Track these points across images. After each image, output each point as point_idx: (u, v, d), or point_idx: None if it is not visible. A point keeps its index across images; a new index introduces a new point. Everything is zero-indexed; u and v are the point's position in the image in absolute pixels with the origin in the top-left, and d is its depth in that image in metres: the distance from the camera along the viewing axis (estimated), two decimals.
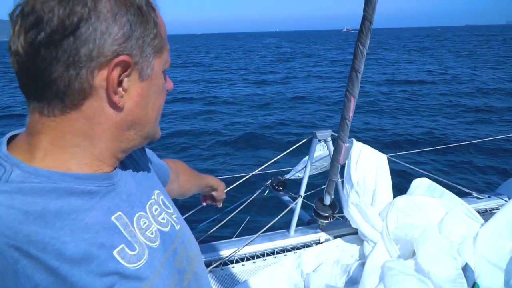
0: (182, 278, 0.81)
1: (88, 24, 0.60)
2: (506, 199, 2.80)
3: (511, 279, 1.96)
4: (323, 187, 2.46)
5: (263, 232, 2.39)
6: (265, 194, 2.87)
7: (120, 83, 0.66)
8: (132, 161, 0.87)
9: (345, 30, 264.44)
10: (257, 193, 2.77)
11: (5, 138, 0.69)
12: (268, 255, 2.28)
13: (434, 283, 1.82)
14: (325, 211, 2.40)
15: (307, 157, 2.51)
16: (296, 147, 2.79)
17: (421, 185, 2.58)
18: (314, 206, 2.44)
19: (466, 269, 1.95)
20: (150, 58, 0.69)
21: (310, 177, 2.48)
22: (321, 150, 2.51)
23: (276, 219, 2.45)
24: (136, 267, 0.68)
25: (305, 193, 2.51)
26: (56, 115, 0.65)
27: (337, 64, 31.48)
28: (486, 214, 2.61)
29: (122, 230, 0.70)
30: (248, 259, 2.25)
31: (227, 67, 32.19)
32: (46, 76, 0.61)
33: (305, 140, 2.70)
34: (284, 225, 2.51)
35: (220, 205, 1.55)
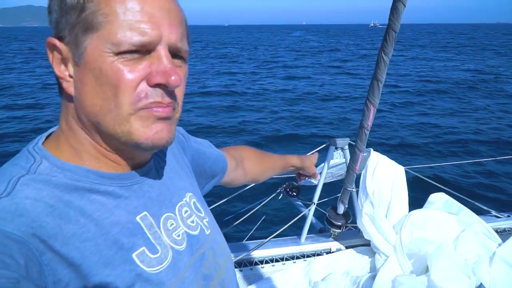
0: (208, 285, 0.79)
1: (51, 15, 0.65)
2: None
3: None
4: (337, 195, 2.43)
5: (274, 237, 2.37)
6: (279, 198, 2.85)
7: (67, 69, 0.66)
8: (164, 159, 0.86)
9: (372, 25, 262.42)
10: (271, 197, 2.75)
11: (45, 133, 0.72)
12: (277, 261, 2.25)
13: None
14: (338, 220, 2.37)
15: (322, 164, 2.48)
16: (312, 153, 2.76)
17: (438, 200, 2.52)
18: (327, 214, 2.41)
19: None
20: (79, 37, 0.62)
21: (324, 184, 2.45)
22: (338, 158, 2.47)
23: (288, 225, 2.43)
24: (156, 271, 0.67)
25: (318, 200, 2.47)
26: (61, 110, 0.70)
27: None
28: (505, 234, 2.54)
29: (146, 231, 0.69)
30: (256, 264, 2.23)
31: (254, 59, 32.32)
32: None
33: (322, 146, 2.67)
34: (295, 232, 2.49)
35: (317, 177, 1.65)
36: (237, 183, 1.31)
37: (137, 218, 0.70)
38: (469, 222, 2.30)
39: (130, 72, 0.63)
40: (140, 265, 0.66)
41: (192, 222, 0.83)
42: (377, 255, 2.19)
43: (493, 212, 2.85)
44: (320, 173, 2.47)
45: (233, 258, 2.20)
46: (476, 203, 2.85)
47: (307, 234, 2.42)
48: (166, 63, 0.64)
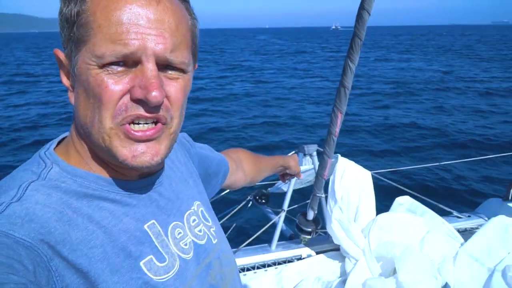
0: None
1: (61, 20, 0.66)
2: (486, 218, 2.83)
3: None
4: (306, 202, 2.45)
5: (244, 246, 2.36)
6: (248, 207, 2.85)
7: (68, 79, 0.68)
8: (173, 168, 0.86)
9: (334, 27, 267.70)
10: (240, 206, 2.74)
11: (56, 139, 0.73)
12: (248, 269, 2.24)
13: None
14: (308, 226, 2.39)
15: None
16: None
17: (403, 203, 2.60)
18: (297, 221, 2.43)
19: None
20: (72, 49, 0.64)
21: (294, 191, 2.47)
22: (306, 165, 2.50)
23: (258, 233, 2.43)
24: (163, 280, 0.68)
25: (288, 207, 2.49)
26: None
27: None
28: (466, 234, 2.63)
29: (154, 239, 0.70)
30: None
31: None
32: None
33: (291, 153, 2.69)
34: (266, 240, 2.49)
35: (301, 177, 1.65)
36: (237, 185, 1.33)
37: (145, 227, 0.70)
38: (433, 224, 2.38)
39: (114, 85, 0.61)
40: (148, 273, 0.66)
41: (200, 231, 0.83)
42: (347, 259, 2.23)
43: (455, 213, 2.96)
44: (289, 180, 2.49)
45: None
46: (439, 205, 2.95)
47: (278, 241, 2.42)
48: (149, 77, 0.61)
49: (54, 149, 0.70)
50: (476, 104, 15.27)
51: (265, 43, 71.52)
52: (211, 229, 0.88)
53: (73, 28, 0.62)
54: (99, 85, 0.61)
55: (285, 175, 1.58)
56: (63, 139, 0.74)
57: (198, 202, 0.89)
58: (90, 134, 0.65)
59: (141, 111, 0.63)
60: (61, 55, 0.66)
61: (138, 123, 0.64)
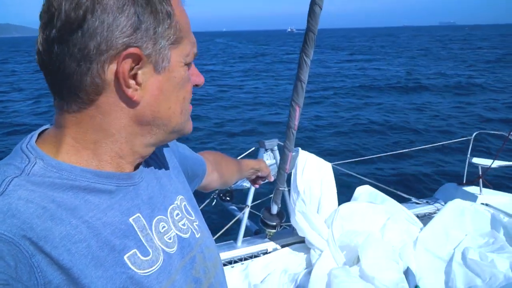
0: (199, 287, 0.80)
1: (94, 17, 0.60)
2: (443, 203, 2.95)
3: (449, 280, 2.05)
4: (270, 196, 2.46)
5: None
6: (212, 204, 2.83)
7: (134, 76, 0.65)
8: (157, 162, 0.86)
9: (289, 30, 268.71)
10: (205, 203, 2.73)
11: (36, 132, 0.71)
12: None
13: None
14: (272, 220, 2.40)
15: None
16: (242, 156, 2.78)
17: (363, 192, 2.66)
18: (261, 215, 2.44)
19: (407, 273, 2.02)
20: (165, 50, 0.67)
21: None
22: (268, 160, 2.51)
23: (223, 230, 2.42)
24: (147, 273, 0.67)
25: (252, 202, 2.50)
26: (75, 110, 0.66)
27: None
28: (425, 219, 2.73)
29: (138, 233, 0.69)
30: None
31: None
32: (61, 72, 0.63)
33: (252, 149, 2.70)
34: (231, 236, 2.49)
35: (271, 179, 1.65)
36: (211, 187, 1.33)
37: (130, 220, 0.69)
38: (393, 211, 2.46)
39: (189, 79, 0.75)
40: (132, 267, 0.65)
41: (183, 225, 0.83)
42: (312, 251, 2.26)
43: (413, 199, 3.06)
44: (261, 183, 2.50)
45: None
46: (398, 192, 3.05)
47: (243, 237, 2.43)
48: (197, 69, 0.78)
49: (36, 142, 0.68)
50: (435, 99, 15.91)
51: (225, 46, 70.76)
52: (194, 223, 0.87)
53: (169, 28, 0.67)
54: (187, 80, 0.73)
55: (256, 179, 1.59)
56: (42, 132, 0.71)
57: (181, 197, 0.88)
58: (169, 123, 0.73)
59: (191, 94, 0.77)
60: (140, 52, 0.64)
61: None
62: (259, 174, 1.54)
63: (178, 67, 0.70)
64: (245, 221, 2.44)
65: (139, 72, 0.65)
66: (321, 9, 1.57)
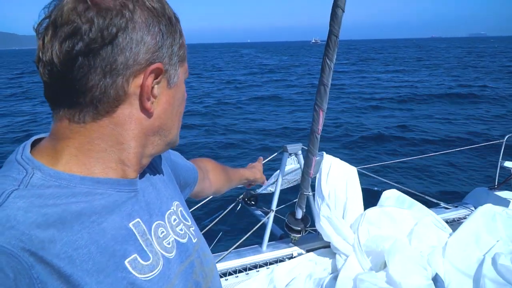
0: None
1: (125, 34, 0.64)
2: (472, 208, 2.87)
3: (479, 287, 1.99)
4: (294, 201, 2.46)
5: (235, 248, 2.36)
6: (237, 209, 2.85)
7: (152, 89, 0.69)
8: (153, 169, 0.88)
9: (313, 41, 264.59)
10: (229, 208, 2.74)
11: (29, 142, 0.72)
12: (240, 271, 2.24)
13: None
14: (297, 225, 2.40)
15: (278, 171, 2.51)
16: (266, 161, 2.78)
17: (390, 197, 2.62)
18: (286, 220, 2.43)
19: (436, 279, 1.97)
20: (176, 67, 0.74)
21: (281, 191, 2.47)
22: (292, 164, 2.51)
23: (248, 234, 2.42)
24: (148, 278, 0.68)
25: (277, 207, 2.49)
26: (87, 121, 0.66)
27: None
28: (454, 224, 2.66)
29: (139, 238, 0.70)
30: (220, 276, 2.21)
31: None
32: (82, 84, 0.63)
33: (275, 154, 2.70)
34: (256, 241, 2.49)
35: (264, 183, 1.69)
36: (203, 195, 1.34)
37: (130, 225, 0.70)
38: (421, 216, 2.41)
39: (185, 95, 0.81)
40: (133, 272, 0.66)
41: (181, 230, 0.84)
42: (337, 256, 2.24)
43: (442, 204, 2.99)
44: (276, 181, 2.50)
45: None
46: (426, 197, 2.99)
47: (268, 241, 2.43)
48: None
49: (31, 152, 0.68)
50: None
51: (251, 57, 70.26)
52: (191, 229, 0.89)
53: (181, 47, 0.74)
54: (185, 96, 0.81)
55: (249, 185, 1.62)
56: (35, 142, 0.72)
57: (177, 202, 0.90)
58: (169, 134, 0.78)
59: None
60: (163, 68, 0.70)
61: None
62: (253, 184, 1.58)
63: (182, 83, 0.78)
64: (270, 226, 2.44)
65: (156, 86, 0.70)
66: (343, 11, 1.56)
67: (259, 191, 2.82)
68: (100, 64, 0.62)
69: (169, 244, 0.77)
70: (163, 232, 0.77)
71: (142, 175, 0.81)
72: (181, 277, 0.76)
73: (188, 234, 0.85)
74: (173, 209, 0.86)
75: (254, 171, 1.58)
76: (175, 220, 0.84)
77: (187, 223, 0.88)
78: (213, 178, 1.35)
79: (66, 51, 0.62)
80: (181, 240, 0.81)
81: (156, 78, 0.69)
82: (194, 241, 0.86)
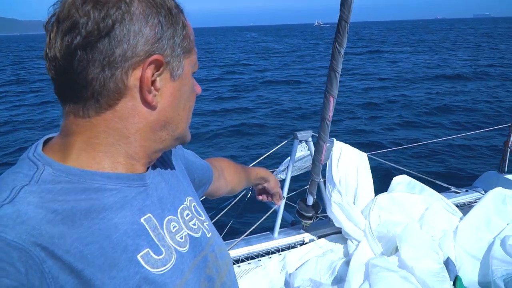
0: (212, 286, 0.81)
1: (122, 26, 0.63)
2: (483, 192, 2.87)
3: (489, 270, 2.00)
4: (305, 187, 2.47)
5: (247, 235, 2.38)
6: (248, 196, 2.87)
7: (153, 82, 0.68)
8: (165, 164, 0.88)
9: (316, 24, 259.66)
10: (240, 196, 2.76)
11: (41, 140, 0.72)
12: (252, 258, 2.27)
13: (417, 278, 1.85)
14: (308, 211, 2.41)
15: (288, 158, 2.52)
16: (277, 148, 2.79)
17: (401, 182, 2.62)
18: (297, 207, 2.45)
19: (448, 263, 1.99)
20: (180, 58, 0.72)
21: (292, 178, 2.48)
22: (302, 151, 2.51)
23: (260, 221, 2.45)
24: (161, 272, 0.68)
25: (288, 194, 2.51)
26: (91, 115, 0.67)
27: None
28: (465, 208, 2.66)
29: (150, 233, 0.70)
30: (233, 264, 2.24)
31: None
32: (83, 78, 0.64)
33: (286, 141, 2.70)
34: (268, 227, 2.51)
35: (278, 202, 1.59)
36: (219, 194, 1.33)
37: (142, 220, 0.70)
38: (431, 200, 2.41)
39: (194, 88, 0.80)
40: (145, 266, 0.66)
41: (194, 225, 0.84)
42: (349, 241, 2.25)
43: (453, 188, 2.99)
44: (287, 168, 2.51)
45: None
46: (437, 181, 2.99)
47: (280, 228, 2.45)
48: (196, 84, 0.82)
49: (42, 150, 0.69)
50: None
51: (258, 41, 69.24)
52: (205, 223, 0.89)
53: (185, 38, 0.73)
54: (193, 89, 0.79)
55: (262, 192, 1.55)
56: (47, 140, 0.73)
57: (190, 197, 0.89)
58: (177, 128, 0.76)
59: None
60: (163, 59, 0.69)
61: None
62: (266, 185, 1.51)
63: (189, 76, 0.76)
64: (281, 213, 2.46)
65: (158, 78, 0.69)
66: None
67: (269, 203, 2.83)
68: (98, 57, 0.63)
69: (182, 238, 0.77)
70: (175, 226, 0.77)
71: (154, 170, 0.81)
72: (194, 271, 0.76)
73: (202, 229, 0.85)
74: (186, 204, 0.86)
75: (268, 172, 1.55)
76: (187, 215, 0.84)
77: (200, 218, 0.88)
78: (228, 176, 1.34)
79: (66, 45, 0.63)
80: (194, 235, 0.81)
81: (157, 70, 0.68)
82: (208, 235, 0.87)
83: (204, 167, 1.17)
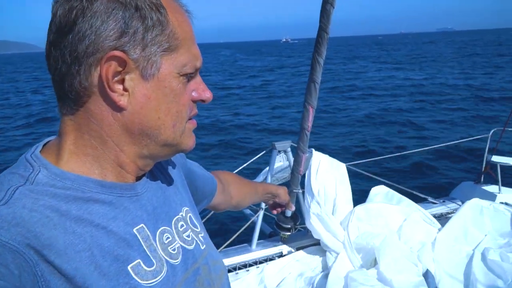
0: None
1: (84, 21, 0.62)
2: (460, 203, 2.89)
3: (469, 283, 2.00)
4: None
5: (224, 247, 2.33)
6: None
7: (122, 82, 0.65)
8: (163, 173, 0.86)
9: (284, 40, 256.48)
10: None
11: (41, 143, 0.72)
12: (230, 271, 2.22)
13: None
14: (287, 222, 2.37)
15: (267, 168, 2.49)
16: (255, 159, 2.76)
17: (379, 193, 2.62)
18: (276, 218, 2.41)
19: (427, 275, 1.98)
20: (155, 57, 0.67)
21: None
22: (281, 161, 2.49)
23: (238, 233, 2.40)
24: (151, 284, 0.67)
25: (266, 205, 2.47)
26: (72, 113, 0.67)
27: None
28: (442, 219, 2.67)
29: (142, 243, 0.69)
30: None
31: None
32: (57, 75, 0.65)
33: (264, 152, 2.67)
34: (246, 239, 2.47)
35: (292, 208, 1.65)
36: (222, 207, 1.31)
37: (134, 230, 0.69)
38: (409, 211, 2.41)
39: (186, 91, 0.72)
40: (135, 277, 0.65)
41: (188, 236, 0.82)
42: (327, 253, 2.23)
43: (430, 199, 3.01)
44: (265, 178, 2.47)
45: None
46: (414, 192, 3.00)
47: (258, 240, 2.40)
48: (203, 83, 0.76)
49: (40, 152, 0.69)
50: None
51: (234, 59, 67.79)
52: (200, 235, 0.87)
53: (161, 35, 0.66)
54: (182, 92, 0.71)
55: (275, 206, 1.55)
56: (46, 143, 0.73)
57: (187, 208, 0.88)
58: (160, 134, 0.70)
59: (196, 109, 0.77)
60: (125, 57, 0.64)
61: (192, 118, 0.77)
62: (277, 200, 1.50)
63: (170, 77, 0.69)
64: (259, 224, 2.42)
65: (126, 77, 0.65)
66: (333, 7, 1.54)
67: None
68: (64, 53, 0.63)
69: (174, 250, 0.75)
70: (168, 238, 0.76)
71: (152, 179, 0.80)
72: (185, 285, 0.75)
73: (196, 241, 0.84)
74: (181, 214, 0.84)
75: (277, 187, 1.53)
76: (182, 226, 0.82)
77: (195, 229, 0.87)
78: (234, 190, 1.31)
79: (47, 44, 0.65)
80: (187, 247, 0.80)
81: (123, 68, 0.64)
82: (202, 247, 0.85)
83: (208, 178, 1.14)
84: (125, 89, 0.66)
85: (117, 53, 0.63)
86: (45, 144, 0.72)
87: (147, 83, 0.67)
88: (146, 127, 0.69)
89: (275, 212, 1.57)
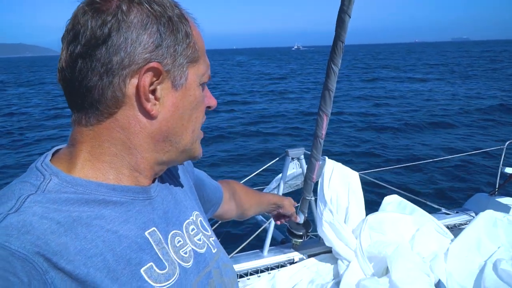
0: None
1: (119, 34, 0.63)
2: (473, 214, 2.87)
3: None
4: (296, 205, 2.45)
5: (236, 253, 2.35)
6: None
7: (153, 92, 0.67)
8: (173, 179, 0.88)
9: (295, 47, 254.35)
10: None
11: (50, 151, 0.73)
12: (241, 276, 2.23)
13: None
14: (299, 230, 2.38)
15: (280, 175, 2.50)
16: (269, 165, 2.78)
17: (392, 202, 2.61)
18: (288, 225, 2.42)
19: (439, 286, 1.97)
20: (183, 68, 0.70)
21: (283, 195, 2.46)
22: (294, 168, 2.50)
23: (250, 239, 2.42)
24: (164, 287, 0.67)
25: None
26: (93, 124, 0.67)
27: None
28: (455, 230, 2.66)
29: (154, 247, 0.70)
30: None
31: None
32: (83, 86, 0.65)
33: (277, 158, 2.69)
34: (257, 245, 2.48)
35: (297, 219, 1.66)
36: (228, 216, 1.31)
37: (146, 233, 0.70)
38: (422, 221, 2.40)
39: (203, 100, 0.77)
40: (148, 280, 0.66)
41: (199, 240, 0.83)
42: (339, 261, 2.23)
43: (443, 210, 2.99)
44: (278, 185, 2.49)
45: None
46: (427, 202, 2.98)
47: (270, 246, 2.41)
48: (210, 92, 0.81)
49: (50, 161, 0.69)
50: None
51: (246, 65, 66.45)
52: (210, 239, 0.88)
53: (189, 47, 0.70)
54: (201, 100, 0.76)
55: (279, 217, 1.56)
56: (56, 151, 0.73)
57: (197, 212, 0.89)
58: (181, 140, 0.74)
59: (205, 117, 0.80)
60: (161, 67, 0.67)
61: None
62: (281, 211, 1.51)
63: (194, 86, 0.73)
64: (271, 230, 2.43)
65: (158, 87, 0.68)
66: (349, 17, 1.56)
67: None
68: (96, 65, 0.63)
69: (186, 253, 0.76)
70: (180, 241, 0.76)
71: (162, 183, 0.81)
72: (197, 287, 0.75)
73: (207, 244, 0.85)
74: (192, 218, 0.85)
75: (282, 197, 1.55)
76: (193, 230, 0.83)
77: (206, 233, 0.87)
78: (239, 200, 1.32)
79: (69, 55, 0.64)
80: (198, 250, 0.81)
81: (157, 78, 0.67)
82: (213, 251, 0.85)
83: (215, 187, 1.16)
84: (156, 99, 0.68)
85: (155, 64, 0.66)
86: (54, 153, 0.73)
87: (176, 92, 0.70)
88: (171, 134, 0.72)
89: (278, 222, 1.58)
